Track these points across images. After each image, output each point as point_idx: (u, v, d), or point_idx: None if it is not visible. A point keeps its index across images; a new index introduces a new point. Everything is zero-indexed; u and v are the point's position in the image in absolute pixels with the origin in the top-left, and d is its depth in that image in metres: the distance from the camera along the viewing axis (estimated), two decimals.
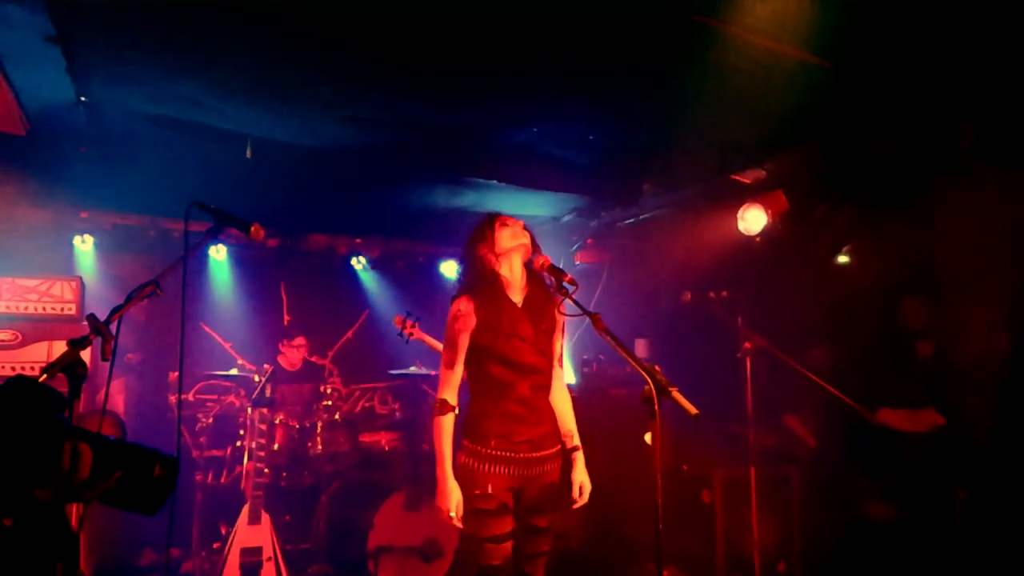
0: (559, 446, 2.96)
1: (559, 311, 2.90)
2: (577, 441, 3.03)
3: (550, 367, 2.95)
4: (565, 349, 6.46)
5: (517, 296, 2.91)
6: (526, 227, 2.94)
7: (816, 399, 4.43)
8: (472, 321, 2.82)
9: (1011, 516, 3.54)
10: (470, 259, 2.92)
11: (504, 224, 2.89)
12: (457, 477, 2.78)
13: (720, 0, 2.99)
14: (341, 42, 3.38)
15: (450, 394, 2.84)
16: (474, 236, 2.94)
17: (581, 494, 2.94)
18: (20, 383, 1.51)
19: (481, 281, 2.87)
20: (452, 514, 2.69)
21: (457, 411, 2.86)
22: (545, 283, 2.94)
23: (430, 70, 3.68)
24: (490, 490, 2.72)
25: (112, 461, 1.56)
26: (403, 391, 6.53)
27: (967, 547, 3.62)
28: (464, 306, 2.83)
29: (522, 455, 2.79)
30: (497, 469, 2.76)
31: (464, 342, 2.84)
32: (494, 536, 2.71)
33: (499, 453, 2.77)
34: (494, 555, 2.71)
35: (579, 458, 2.99)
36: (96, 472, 1.52)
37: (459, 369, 2.86)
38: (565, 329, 3.14)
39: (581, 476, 2.95)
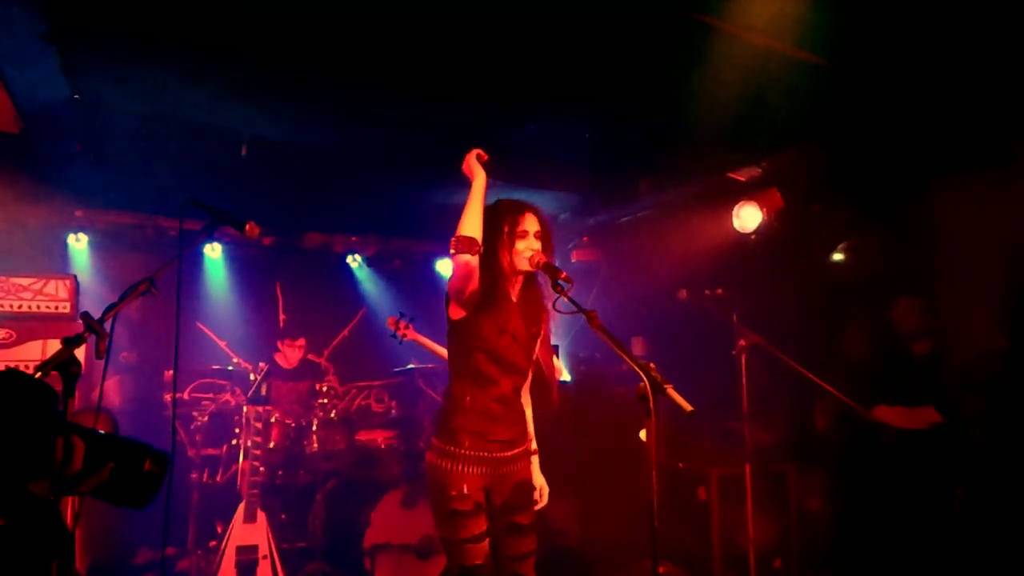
0: (527, 445, 2.94)
1: (555, 307, 2.87)
2: (535, 445, 3.02)
3: (530, 370, 2.93)
4: (561, 347, 6.47)
5: (514, 293, 2.88)
6: (543, 220, 2.87)
7: (812, 396, 4.44)
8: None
9: (1007, 513, 3.55)
10: (488, 237, 2.79)
11: (524, 235, 2.80)
12: (430, 478, 2.77)
13: None
14: (338, 43, 3.38)
15: None
16: (492, 227, 2.80)
17: (541, 496, 2.98)
18: (12, 377, 1.51)
19: (485, 269, 2.77)
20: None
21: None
22: (539, 282, 2.90)
23: (427, 69, 3.67)
24: (466, 490, 2.68)
25: (104, 454, 1.56)
26: (399, 389, 6.52)
27: (964, 544, 3.63)
28: None
29: (495, 455, 2.76)
30: (470, 469, 2.71)
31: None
32: (474, 536, 2.68)
33: (472, 453, 2.72)
34: (476, 555, 2.68)
35: (535, 461, 3.00)
36: (89, 464, 1.52)
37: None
38: (549, 338, 3.06)
39: (540, 479, 2.99)
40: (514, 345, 2.80)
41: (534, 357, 2.94)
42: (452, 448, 2.72)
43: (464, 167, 2.79)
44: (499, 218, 2.82)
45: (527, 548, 2.84)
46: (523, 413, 2.95)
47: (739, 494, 4.37)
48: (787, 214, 4.77)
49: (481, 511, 2.72)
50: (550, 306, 2.81)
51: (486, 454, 2.74)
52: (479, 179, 2.74)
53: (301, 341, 5.80)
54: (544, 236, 2.85)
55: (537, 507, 2.95)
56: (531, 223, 2.82)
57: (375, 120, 4.41)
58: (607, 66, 3.63)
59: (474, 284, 2.69)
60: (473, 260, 2.62)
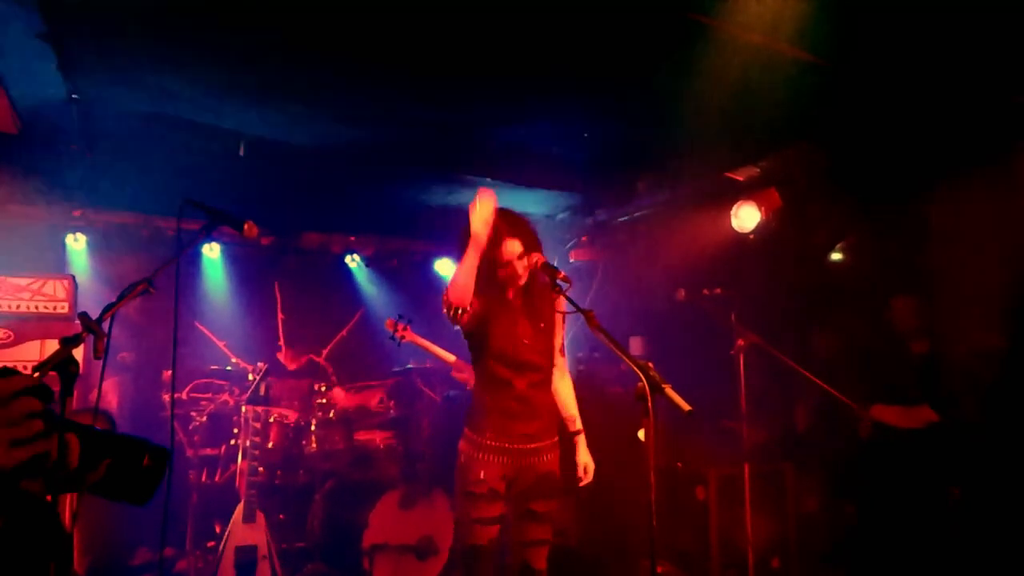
0: (555, 438, 3.07)
1: (557, 308, 2.92)
2: (579, 425, 3.18)
3: (549, 363, 3.06)
4: None
5: (516, 295, 2.97)
6: (524, 235, 2.94)
7: (810, 395, 4.44)
8: (476, 304, 2.88)
9: (1004, 513, 3.55)
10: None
11: (509, 264, 2.90)
12: (458, 463, 2.99)
13: None
14: (335, 42, 3.37)
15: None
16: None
17: (586, 473, 3.10)
18: (5, 375, 1.50)
19: (481, 279, 2.86)
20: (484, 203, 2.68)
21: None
22: (542, 279, 2.95)
23: (424, 68, 3.67)
24: (482, 476, 2.89)
25: (101, 451, 1.56)
26: (398, 389, 6.53)
27: (961, 543, 3.64)
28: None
29: (516, 446, 2.94)
30: (492, 458, 2.92)
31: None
32: (482, 518, 2.88)
33: (495, 444, 2.93)
34: (481, 535, 2.88)
35: (581, 440, 3.14)
36: (85, 462, 1.51)
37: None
38: (565, 322, 3.19)
39: (584, 457, 3.12)
40: (522, 346, 2.94)
41: (557, 344, 3.11)
42: (478, 439, 2.96)
43: (472, 215, 2.71)
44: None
45: (538, 536, 2.98)
46: (545, 406, 3.06)
47: (737, 494, 4.37)
48: (785, 214, 4.78)
49: (497, 498, 2.91)
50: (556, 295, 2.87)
51: (508, 445, 2.93)
52: (479, 241, 2.72)
53: (304, 359, 5.84)
54: (530, 248, 2.92)
55: (582, 484, 3.10)
56: (512, 249, 2.90)
57: (373, 120, 4.40)
58: (606, 66, 3.63)
59: (461, 322, 2.91)
60: (458, 312, 2.82)
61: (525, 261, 2.89)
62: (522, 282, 2.91)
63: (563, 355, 3.19)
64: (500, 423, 2.93)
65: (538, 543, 2.97)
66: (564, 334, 3.21)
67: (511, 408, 2.94)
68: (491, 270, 2.88)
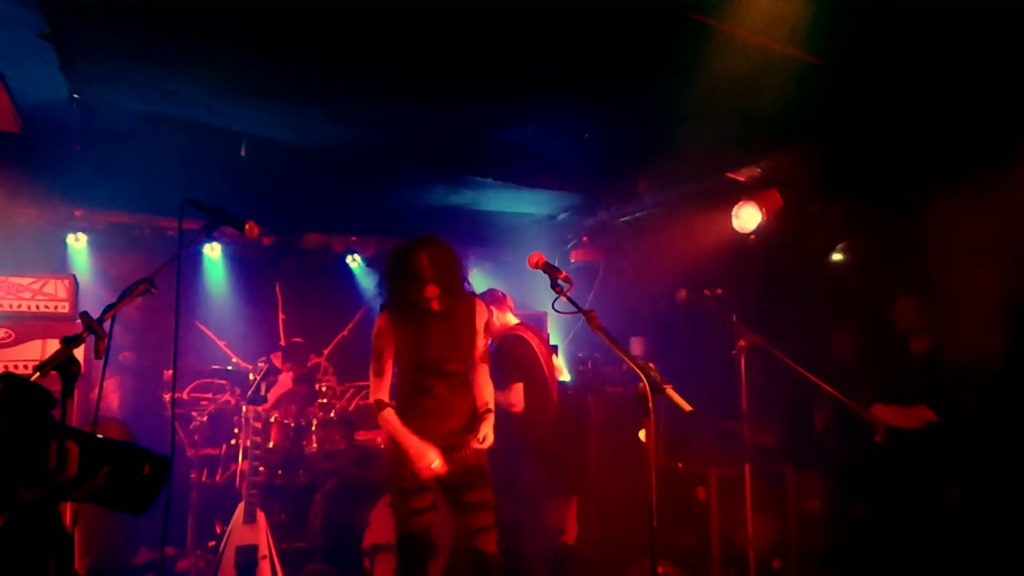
0: (474, 434, 3.24)
1: (554, 308, 2.93)
2: (491, 407, 3.35)
3: (466, 369, 3.32)
4: (560, 347, 6.47)
5: (435, 308, 3.10)
6: (452, 268, 3.11)
7: (821, 399, 4.44)
8: (392, 336, 3.18)
9: (1004, 513, 3.55)
10: (394, 286, 3.14)
11: (428, 301, 3.07)
12: (387, 459, 3.24)
13: None
14: (336, 43, 3.38)
15: (383, 395, 3.24)
16: (401, 271, 3.09)
17: (483, 441, 3.21)
18: (6, 381, 1.49)
19: (401, 303, 3.13)
20: (435, 464, 3.06)
21: (393, 404, 3.25)
22: (462, 291, 3.19)
23: (426, 69, 3.67)
24: (408, 473, 3.11)
25: (99, 458, 1.55)
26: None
27: (961, 543, 3.63)
28: (385, 323, 3.19)
29: (439, 444, 3.13)
30: None
31: (388, 354, 3.22)
32: (414, 510, 3.17)
33: None
34: (415, 525, 3.18)
35: (489, 417, 3.29)
36: (84, 470, 1.50)
37: (387, 376, 3.26)
38: (488, 327, 3.41)
39: (486, 429, 3.24)
40: (439, 355, 3.18)
41: (478, 350, 3.32)
42: None
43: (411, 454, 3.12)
44: (411, 265, 3.05)
45: (480, 523, 3.21)
46: (464, 405, 3.28)
47: (738, 494, 4.37)
48: (786, 214, 4.77)
49: (426, 491, 3.18)
50: (479, 310, 3.27)
51: (431, 443, 3.12)
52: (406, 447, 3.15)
53: (300, 373, 5.82)
54: (450, 290, 3.10)
55: (473, 445, 3.19)
56: (432, 292, 3.07)
57: (375, 121, 4.41)
58: (607, 66, 3.63)
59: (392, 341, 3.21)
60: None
61: (442, 298, 3.08)
62: (439, 308, 3.10)
63: (484, 361, 3.40)
64: (421, 422, 3.16)
65: (482, 529, 3.20)
66: (486, 339, 3.41)
67: (430, 408, 3.19)
68: (414, 303, 3.08)
